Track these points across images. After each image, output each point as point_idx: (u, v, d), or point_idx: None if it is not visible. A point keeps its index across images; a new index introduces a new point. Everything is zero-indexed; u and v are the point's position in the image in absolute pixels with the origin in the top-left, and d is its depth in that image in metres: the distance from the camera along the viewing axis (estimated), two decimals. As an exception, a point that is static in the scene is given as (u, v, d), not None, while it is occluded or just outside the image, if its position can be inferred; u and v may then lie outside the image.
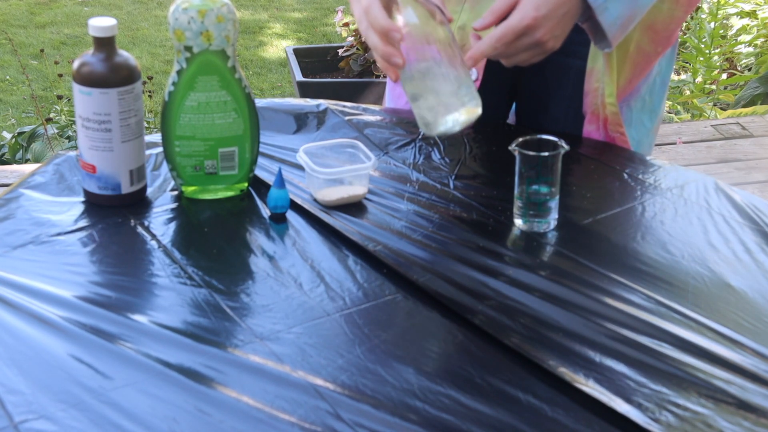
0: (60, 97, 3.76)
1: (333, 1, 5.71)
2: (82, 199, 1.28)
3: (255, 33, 5.39)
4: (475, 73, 1.51)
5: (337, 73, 3.97)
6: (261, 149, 1.34)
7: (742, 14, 4.44)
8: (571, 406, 0.93)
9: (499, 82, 1.55)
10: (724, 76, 4.26)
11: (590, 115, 1.49)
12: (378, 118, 1.56)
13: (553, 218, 1.24)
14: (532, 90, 1.59)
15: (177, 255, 1.16)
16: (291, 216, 1.26)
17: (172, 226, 1.24)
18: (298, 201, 1.28)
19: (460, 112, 1.17)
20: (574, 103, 1.52)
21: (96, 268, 1.15)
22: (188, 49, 1.23)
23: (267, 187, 1.32)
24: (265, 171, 1.35)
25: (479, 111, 1.18)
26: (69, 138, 3.45)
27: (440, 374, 0.97)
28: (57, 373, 0.94)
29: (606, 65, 1.43)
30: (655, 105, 1.57)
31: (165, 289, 1.09)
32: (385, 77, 3.72)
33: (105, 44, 1.22)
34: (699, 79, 4.12)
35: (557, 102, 1.56)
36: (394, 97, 1.67)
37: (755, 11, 4.43)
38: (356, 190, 1.28)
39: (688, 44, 4.24)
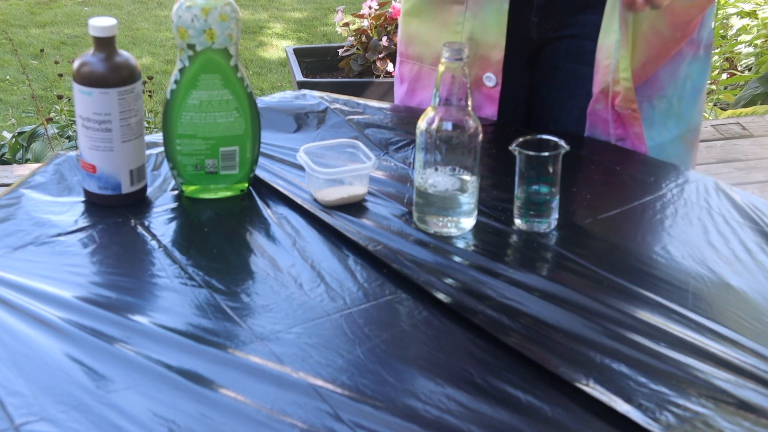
0: (60, 97, 3.76)
1: (333, 1, 5.71)
2: (83, 199, 1.28)
3: (255, 33, 5.39)
4: (494, 79, 1.50)
5: (337, 73, 3.97)
6: (261, 149, 1.33)
7: (742, 14, 4.44)
8: (571, 406, 0.93)
9: (517, 89, 1.54)
10: (724, 76, 4.26)
11: (598, 94, 1.46)
12: (379, 117, 1.56)
13: (553, 218, 1.24)
14: (544, 98, 1.58)
15: (177, 255, 1.16)
16: (291, 216, 1.26)
17: (173, 226, 1.24)
18: (298, 201, 1.28)
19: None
20: (585, 113, 1.50)
21: (96, 268, 1.15)
22: (191, 47, 1.23)
23: (267, 187, 1.32)
24: (266, 171, 1.35)
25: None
26: (69, 138, 3.44)
27: (440, 374, 0.97)
28: (57, 375, 0.94)
29: (623, 38, 1.40)
30: (683, 112, 1.52)
31: (165, 289, 1.09)
32: (385, 77, 3.73)
33: (105, 44, 1.22)
34: (699, 78, 4.11)
35: (568, 111, 1.54)
36: (402, 95, 1.65)
37: (755, 11, 4.43)
38: (356, 190, 1.28)
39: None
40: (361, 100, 1.62)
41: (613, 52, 1.42)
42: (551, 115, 1.56)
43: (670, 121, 1.52)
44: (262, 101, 1.52)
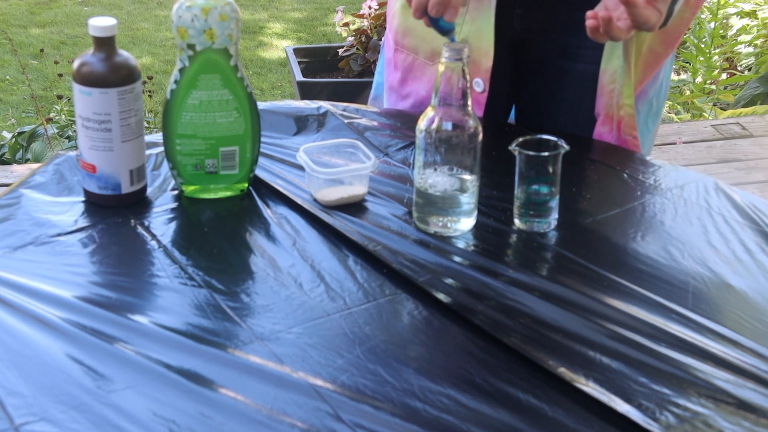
0: (60, 97, 3.76)
1: (333, 1, 5.71)
2: (82, 199, 1.28)
3: (255, 33, 5.39)
4: (482, 85, 1.50)
5: (337, 73, 3.97)
6: (261, 149, 1.34)
7: (742, 14, 4.44)
8: (571, 406, 0.93)
9: (499, 85, 1.55)
10: (724, 76, 4.26)
11: (604, 117, 1.48)
12: (378, 121, 1.56)
13: (553, 218, 1.24)
14: (532, 93, 1.59)
15: (177, 255, 1.16)
16: (291, 216, 1.26)
17: (173, 226, 1.24)
18: (298, 201, 1.28)
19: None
20: (575, 107, 1.51)
21: (96, 268, 1.15)
22: (191, 47, 1.23)
23: (267, 187, 1.32)
24: (266, 171, 1.35)
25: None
26: (69, 138, 3.44)
27: (440, 374, 0.97)
28: (57, 375, 0.94)
29: (626, 65, 1.42)
30: (659, 109, 1.57)
31: (165, 289, 1.09)
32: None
33: (105, 44, 1.22)
34: (699, 79, 4.12)
35: (558, 105, 1.55)
36: (395, 82, 1.65)
37: (755, 11, 4.43)
38: (356, 190, 1.28)
39: (688, 44, 4.25)
40: (361, 107, 1.62)
41: (617, 78, 1.45)
42: (540, 108, 1.58)
43: (650, 119, 1.56)
44: (262, 105, 1.52)
